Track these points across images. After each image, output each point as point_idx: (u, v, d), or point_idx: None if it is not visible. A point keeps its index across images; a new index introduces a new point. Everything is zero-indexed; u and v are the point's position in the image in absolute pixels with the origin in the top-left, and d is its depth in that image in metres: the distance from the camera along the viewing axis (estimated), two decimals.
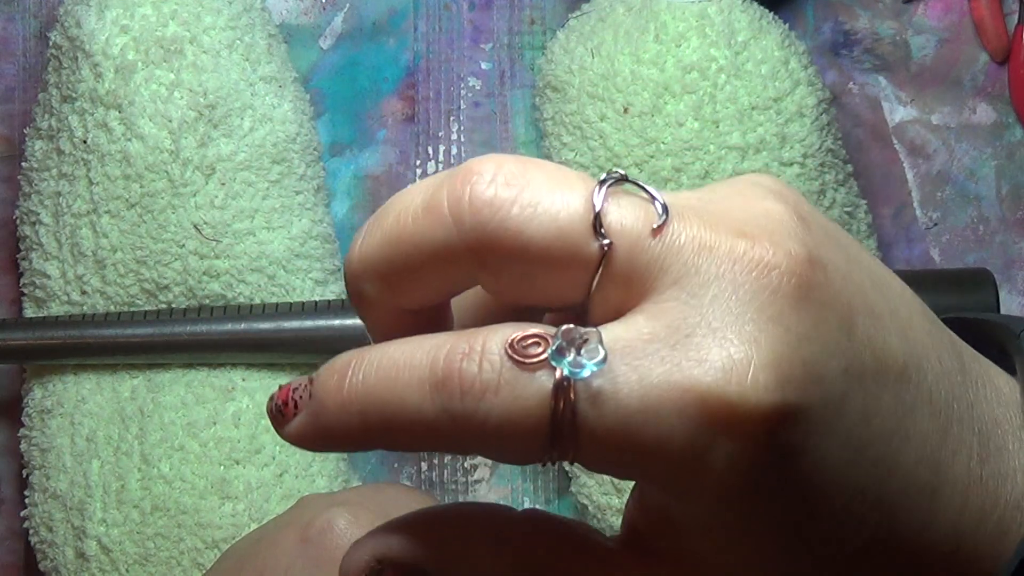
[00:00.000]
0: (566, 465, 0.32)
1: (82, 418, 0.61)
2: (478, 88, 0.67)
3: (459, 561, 0.33)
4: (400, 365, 0.31)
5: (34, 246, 0.63)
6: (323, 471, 0.62)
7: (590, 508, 0.62)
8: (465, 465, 0.66)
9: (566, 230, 0.31)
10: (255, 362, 0.62)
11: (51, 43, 0.63)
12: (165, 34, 0.61)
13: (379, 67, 0.68)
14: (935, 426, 0.33)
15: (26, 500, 0.63)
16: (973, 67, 0.68)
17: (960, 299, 0.62)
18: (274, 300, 0.62)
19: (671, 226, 0.31)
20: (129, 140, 0.61)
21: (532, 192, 0.31)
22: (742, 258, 0.31)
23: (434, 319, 0.34)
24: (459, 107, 0.67)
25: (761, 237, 0.31)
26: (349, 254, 0.33)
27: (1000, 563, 0.33)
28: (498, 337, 0.31)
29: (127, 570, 0.59)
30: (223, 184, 0.61)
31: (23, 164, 0.64)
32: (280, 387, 0.34)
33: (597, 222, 0.31)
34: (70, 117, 0.62)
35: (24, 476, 0.63)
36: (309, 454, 0.61)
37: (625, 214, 0.31)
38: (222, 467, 0.60)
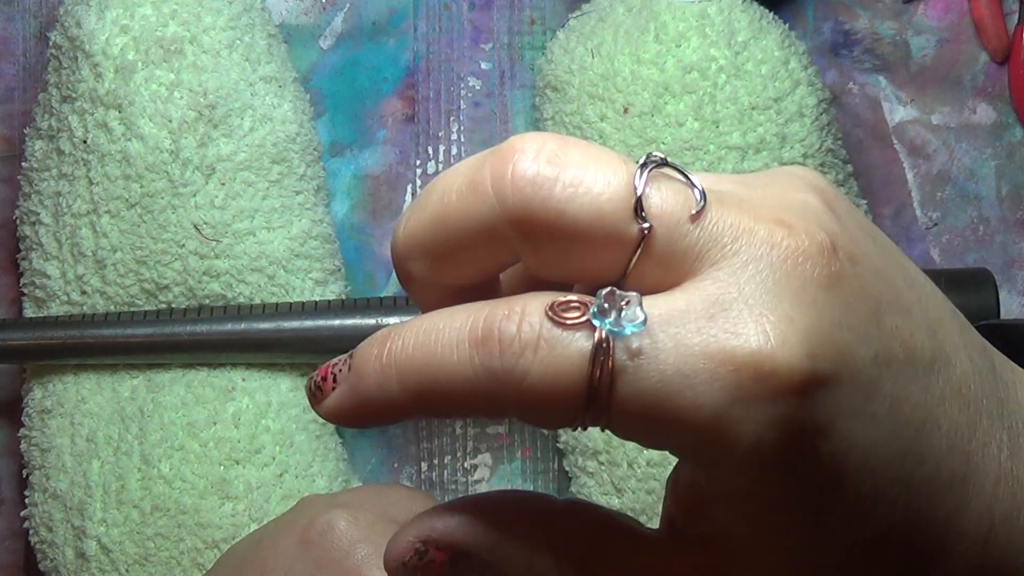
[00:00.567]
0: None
1: (82, 418, 0.61)
2: (478, 88, 0.67)
3: (502, 545, 0.34)
4: (440, 328, 0.32)
5: (34, 246, 0.63)
6: (323, 471, 0.62)
7: None
8: (465, 465, 0.66)
9: (607, 212, 0.31)
10: (255, 362, 0.62)
11: (51, 43, 0.63)
12: (165, 34, 0.61)
13: (379, 67, 0.68)
14: (965, 418, 0.33)
15: (26, 500, 0.63)
16: (973, 67, 0.68)
17: (960, 299, 0.61)
18: (274, 300, 0.62)
19: (710, 212, 0.32)
20: (129, 140, 0.60)
21: (574, 171, 0.32)
22: (779, 244, 0.31)
23: (481, 298, 0.34)
24: (459, 107, 0.67)
25: (798, 227, 0.32)
26: (394, 234, 0.34)
27: None
28: (538, 301, 0.31)
29: (127, 570, 0.59)
30: (223, 184, 0.61)
31: (23, 164, 0.64)
32: (319, 366, 0.34)
33: (639, 205, 0.31)
34: (70, 117, 0.62)
35: (24, 476, 0.63)
36: (309, 454, 0.61)
37: (666, 198, 0.32)
38: (222, 467, 0.60)
